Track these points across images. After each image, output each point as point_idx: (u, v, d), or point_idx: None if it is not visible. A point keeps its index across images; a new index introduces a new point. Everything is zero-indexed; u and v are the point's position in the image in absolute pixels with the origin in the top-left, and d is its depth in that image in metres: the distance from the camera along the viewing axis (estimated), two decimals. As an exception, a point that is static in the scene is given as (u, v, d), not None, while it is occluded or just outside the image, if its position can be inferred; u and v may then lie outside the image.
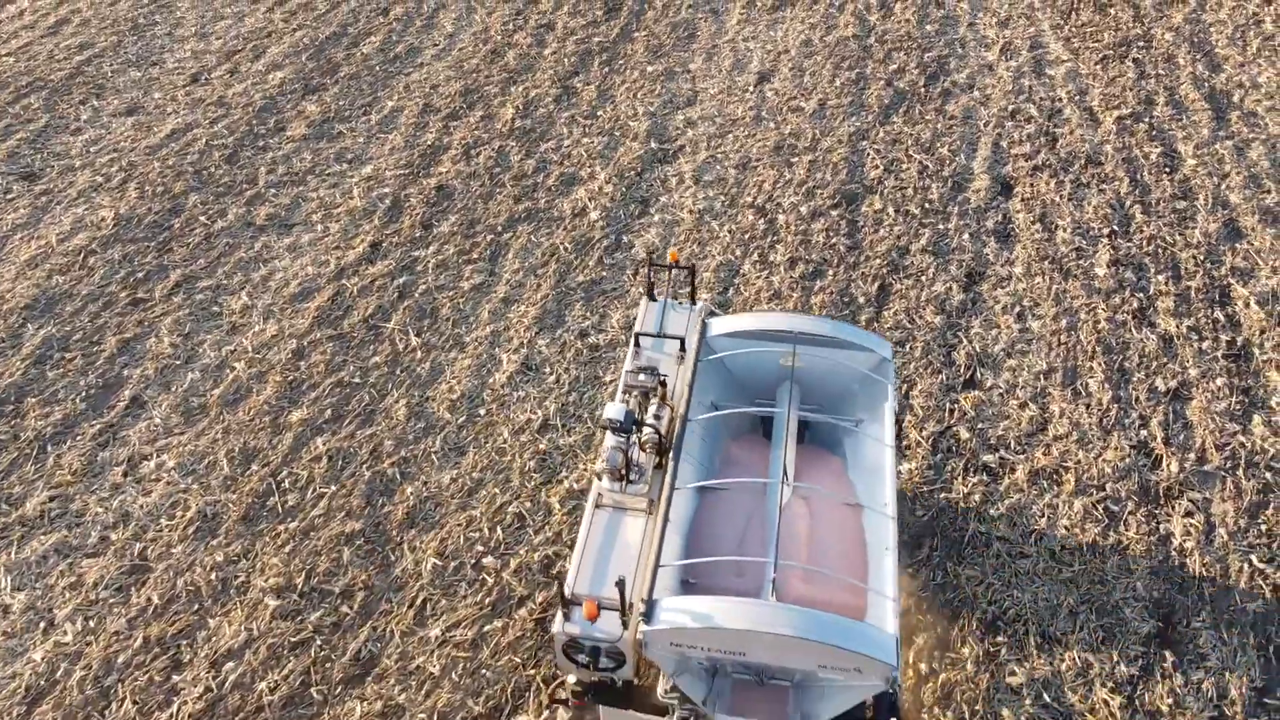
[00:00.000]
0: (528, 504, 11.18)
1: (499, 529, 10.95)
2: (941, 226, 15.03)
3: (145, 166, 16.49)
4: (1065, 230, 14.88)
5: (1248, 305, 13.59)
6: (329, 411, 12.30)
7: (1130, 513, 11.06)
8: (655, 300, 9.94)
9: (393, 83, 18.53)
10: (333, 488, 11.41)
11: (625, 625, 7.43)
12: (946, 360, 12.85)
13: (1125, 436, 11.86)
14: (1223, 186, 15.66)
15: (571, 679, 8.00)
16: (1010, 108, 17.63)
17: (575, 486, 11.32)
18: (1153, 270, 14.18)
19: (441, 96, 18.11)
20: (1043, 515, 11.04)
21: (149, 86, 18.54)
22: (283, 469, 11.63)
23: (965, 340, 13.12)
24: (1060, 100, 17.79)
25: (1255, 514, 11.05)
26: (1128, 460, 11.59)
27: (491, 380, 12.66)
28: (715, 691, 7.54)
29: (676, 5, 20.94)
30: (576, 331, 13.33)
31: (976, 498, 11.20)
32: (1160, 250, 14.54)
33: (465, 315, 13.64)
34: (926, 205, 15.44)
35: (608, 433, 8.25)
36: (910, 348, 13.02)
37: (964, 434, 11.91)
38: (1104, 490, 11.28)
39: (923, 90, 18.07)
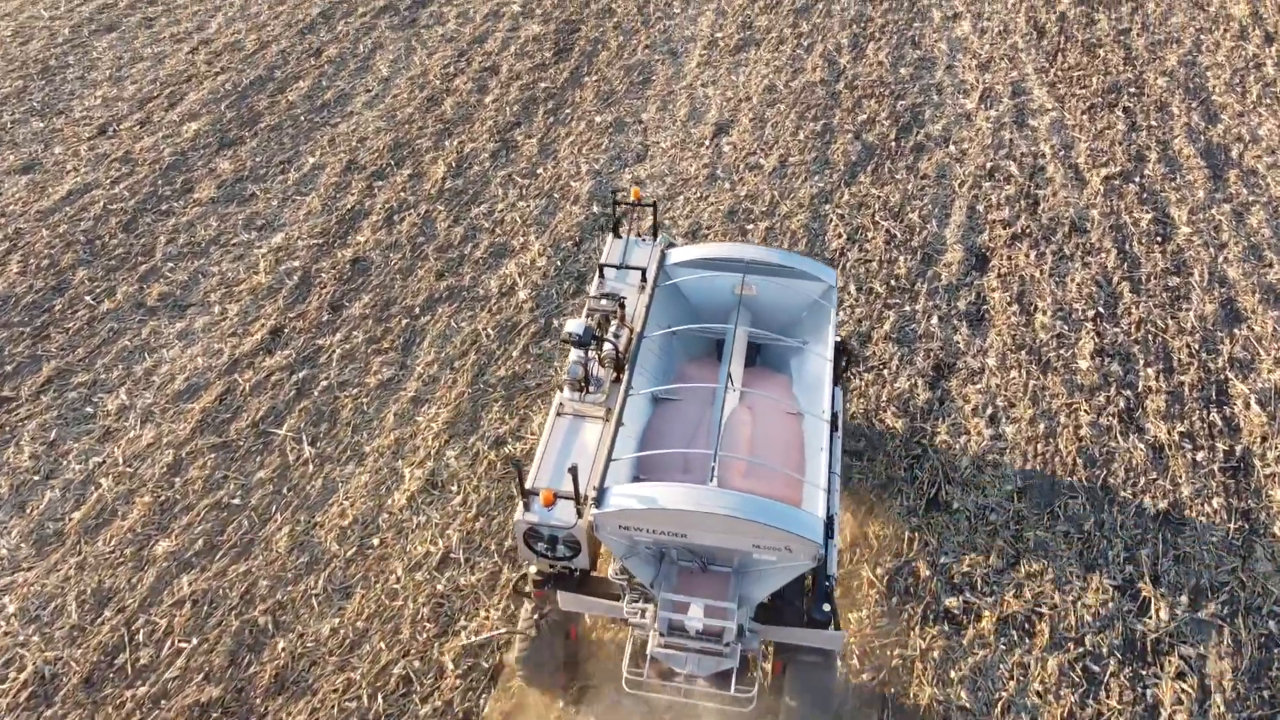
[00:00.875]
0: (417, 662, 9.67)
1: (380, 697, 9.43)
2: (908, 308, 13.54)
3: (33, 235, 14.96)
4: (1045, 313, 13.38)
5: (1247, 406, 12.10)
6: (200, 541, 10.78)
7: (1112, 674, 9.57)
8: (619, 237, 10.55)
9: (317, 135, 17.00)
10: (194, 640, 9.89)
11: (580, 514, 7.91)
12: (908, 476, 11.35)
13: (1108, 573, 10.36)
14: (1220, 259, 14.17)
15: (533, 569, 8.50)
16: (989, 165, 16.14)
17: (473, 641, 9.82)
18: (1141, 361, 12.69)
19: (368, 151, 16.60)
20: (1011, 677, 9.54)
21: (50, 139, 17.01)
22: (139, 615, 10.12)
23: (930, 450, 11.62)
24: (1043, 156, 16.31)
25: (1257, 675, 9.56)
26: (1111, 605, 10.09)
27: (390, 501, 11.14)
28: (662, 575, 8.03)
29: (632, 46, 19.43)
30: (491, 439, 11.81)
31: (935, 655, 9.70)
32: (1150, 337, 13.05)
33: (368, 418, 12.13)
34: (892, 282, 13.95)
35: (570, 347, 8.88)
36: (868, 459, 11.52)
37: (924, 570, 10.41)
38: (1083, 644, 9.78)
39: (894, 145, 16.57)
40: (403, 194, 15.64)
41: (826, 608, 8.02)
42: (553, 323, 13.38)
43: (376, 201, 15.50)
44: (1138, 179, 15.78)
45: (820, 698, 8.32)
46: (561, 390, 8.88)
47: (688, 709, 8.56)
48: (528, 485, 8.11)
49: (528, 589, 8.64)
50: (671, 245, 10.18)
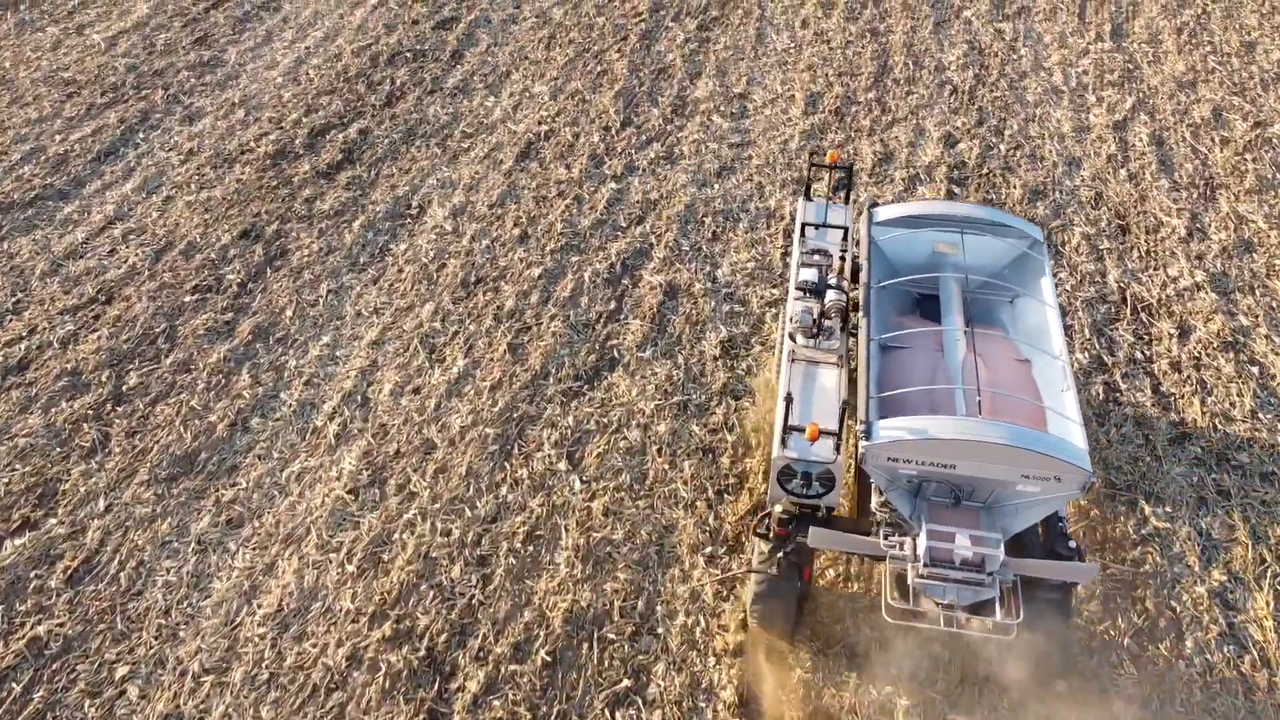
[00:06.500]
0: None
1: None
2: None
3: None
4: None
5: None
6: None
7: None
8: (811, 200, 11.17)
9: None
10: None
11: (838, 450, 8.46)
12: None
13: None
14: None
15: (778, 509, 8.83)
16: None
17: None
18: None
19: None
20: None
21: None
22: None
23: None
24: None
25: None
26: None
27: None
28: (918, 510, 8.51)
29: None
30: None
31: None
32: None
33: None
34: None
35: (792, 296, 9.65)
36: None
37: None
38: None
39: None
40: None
41: (1072, 543, 8.52)
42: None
43: None
44: None
45: (1057, 634, 8.60)
46: (794, 338, 9.35)
47: (941, 638, 8.81)
48: (791, 420, 8.52)
49: (763, 529, 8.87)
50: (875, 204, 10.81)
